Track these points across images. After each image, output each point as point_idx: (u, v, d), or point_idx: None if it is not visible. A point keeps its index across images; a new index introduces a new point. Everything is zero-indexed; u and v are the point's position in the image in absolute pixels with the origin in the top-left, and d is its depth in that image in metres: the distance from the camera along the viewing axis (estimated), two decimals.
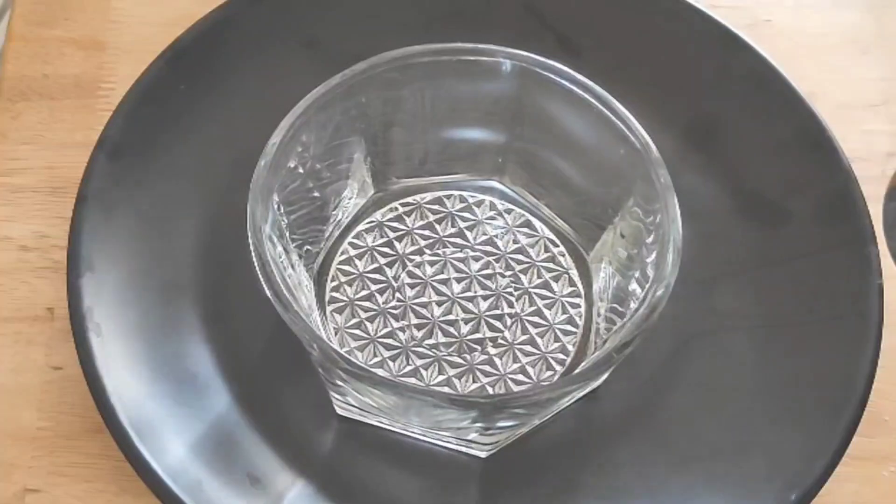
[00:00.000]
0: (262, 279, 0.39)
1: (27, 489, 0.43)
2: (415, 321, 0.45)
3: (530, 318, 0.45)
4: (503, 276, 0.46)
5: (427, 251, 0.46)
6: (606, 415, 0.44)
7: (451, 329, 0.45)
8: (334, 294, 0.46)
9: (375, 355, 0.44)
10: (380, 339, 0.45)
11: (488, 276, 0.46)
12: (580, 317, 0.45)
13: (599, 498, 0.42)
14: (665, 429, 0.44)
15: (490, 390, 0.44)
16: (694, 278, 0.45)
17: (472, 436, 0.42)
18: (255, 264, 0.39)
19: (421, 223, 0.47)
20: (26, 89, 0.51)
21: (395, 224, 0.47)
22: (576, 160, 0.45)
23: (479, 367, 0.44)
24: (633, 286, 0.42)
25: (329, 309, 0.45)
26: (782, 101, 0.49)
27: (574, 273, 0.46)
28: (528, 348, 0.45)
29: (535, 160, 0.47)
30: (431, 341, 0.44)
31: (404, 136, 0.46)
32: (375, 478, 0.43)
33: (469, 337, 0.44)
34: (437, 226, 0.47)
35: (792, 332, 0.45)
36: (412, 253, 0.46)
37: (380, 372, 0.44)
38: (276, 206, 0.41)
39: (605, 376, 0.42)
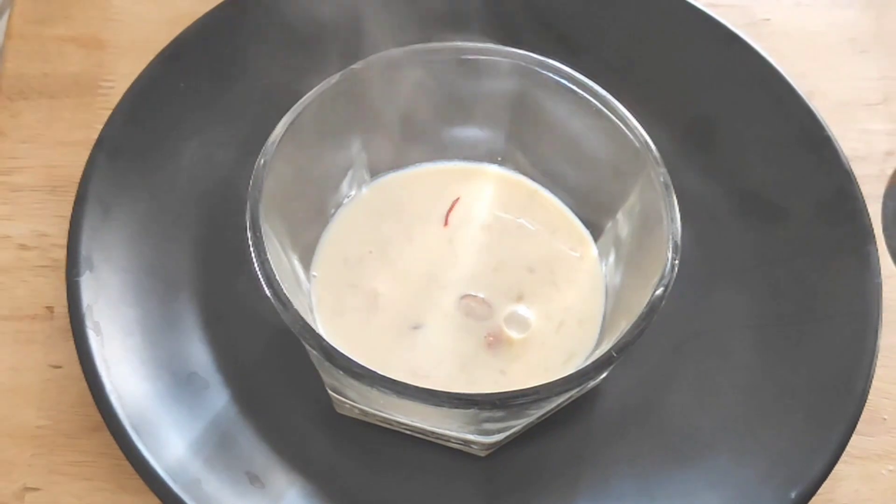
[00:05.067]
0: (261, 278, 0.39)
1: (27, 487, 0.43)
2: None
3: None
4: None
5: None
6: (606, 414, 0.44)
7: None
8: None
9: None
10: None
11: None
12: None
13: (599, 497, 0.42)
14: (665, 428, 0.44)
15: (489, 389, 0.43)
16: (694, 278, 0.45)
17: (472, 436, 0.42)
18: (255, 263, 0.39)
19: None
20: (26, 88, 0.51)
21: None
22: (575, 159, 0.45)
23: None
24: (633, 285, 0.42)
25: None
26: (781, 100, 0.49)
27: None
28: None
29: (534, 159, 0.47)
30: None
31: (404, 135, 0.46)
32: (375, 477, 0.43)
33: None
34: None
35: (792, 332, 0.45)
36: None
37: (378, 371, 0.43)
38: (275, 205, 0.41)
39: (604, 375, 0.42)
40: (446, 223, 0.46)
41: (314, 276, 0.45)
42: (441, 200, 0.47)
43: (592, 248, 0.46)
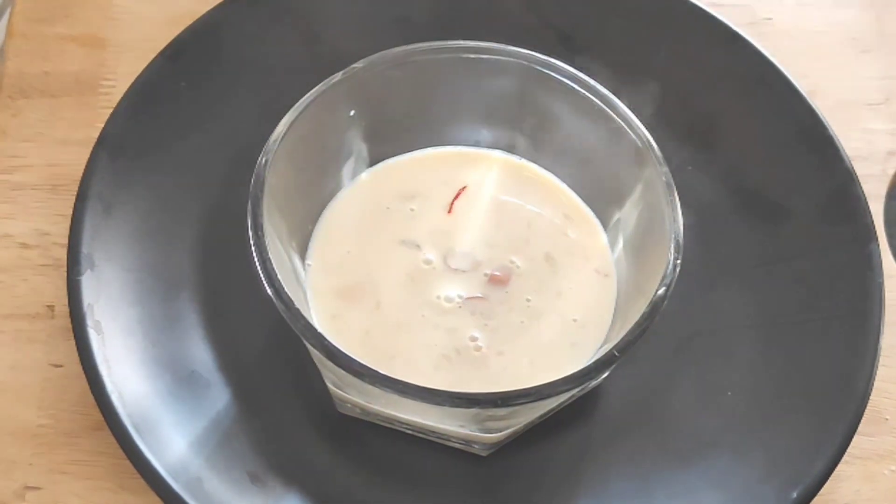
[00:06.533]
0: (262, 277, 0.39)
1: (27, 486, 0.43)
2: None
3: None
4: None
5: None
6: (608, 413, 0.44)
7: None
8: None
9: None
10: None
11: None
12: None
13: (600, 497, 0.42)
14: (665, 427, 0.44)
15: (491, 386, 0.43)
16: (694, 278, 0.45)
17: (473, 435, 0.42)
18: (256, 262, 0.39)
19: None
20: (27, 86, 0.51)
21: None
22: (577, 159, 0.45)
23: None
24: (635, 284, 0.42)
25: None
26: (783, 100, 0.49)
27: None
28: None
29: (536, 158, 0.46)
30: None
31: (405, 134, 0.46)
32: (376, 477, 0.43)
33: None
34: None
35: (792, 331, 0.45)
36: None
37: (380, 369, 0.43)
38: (276, 204, 0.41)
39: (606, 375, 0.42)
40: (450, 211, 0.46)
41: (309, 265, 0.44)
42: (447, 187, 0.46)
43: (603, 242, 0.46)
